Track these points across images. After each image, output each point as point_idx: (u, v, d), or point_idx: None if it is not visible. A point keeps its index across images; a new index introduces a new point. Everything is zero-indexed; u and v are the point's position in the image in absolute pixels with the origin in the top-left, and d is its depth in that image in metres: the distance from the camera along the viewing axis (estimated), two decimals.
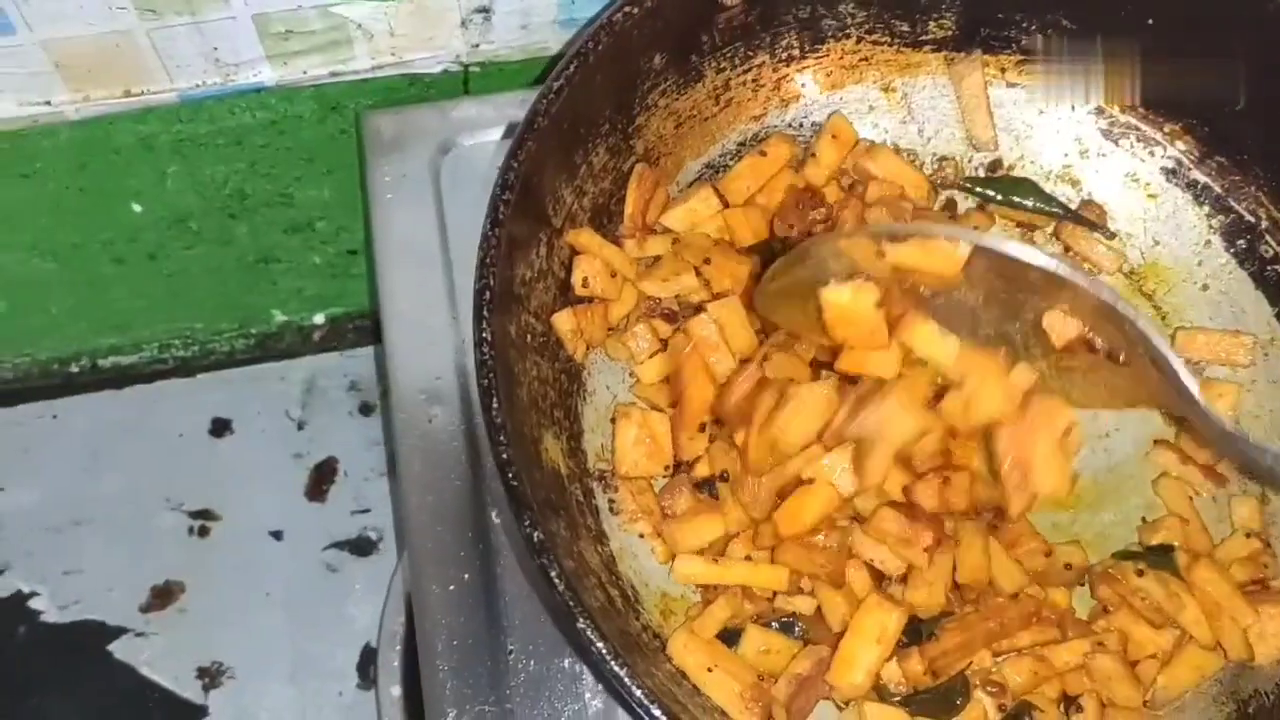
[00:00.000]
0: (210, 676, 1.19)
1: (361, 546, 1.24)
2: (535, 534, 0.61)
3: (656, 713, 0.59)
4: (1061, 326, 0.65)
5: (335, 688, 1.18)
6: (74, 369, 1.29)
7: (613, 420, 0.77)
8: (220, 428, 1.29)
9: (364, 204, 1.04)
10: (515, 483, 0.62)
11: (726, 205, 0.80)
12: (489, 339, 0.65)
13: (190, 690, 1.18)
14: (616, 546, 0.74)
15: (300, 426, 1.30)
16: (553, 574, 0.60)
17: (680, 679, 0.69)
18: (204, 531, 1.24)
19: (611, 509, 0.76)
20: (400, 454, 0.82)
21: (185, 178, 1.06)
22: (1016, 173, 0.85)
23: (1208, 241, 0.82)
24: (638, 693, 0.59)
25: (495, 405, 0.63)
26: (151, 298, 1.21)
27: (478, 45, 0.97)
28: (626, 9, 0.72)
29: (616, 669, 0.59)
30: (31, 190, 1.03)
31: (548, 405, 0.73)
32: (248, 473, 1.26)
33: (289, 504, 1.26)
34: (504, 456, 0.62)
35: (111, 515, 1.24)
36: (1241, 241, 0.81)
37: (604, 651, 0.59)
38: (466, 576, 0.79)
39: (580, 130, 0.75)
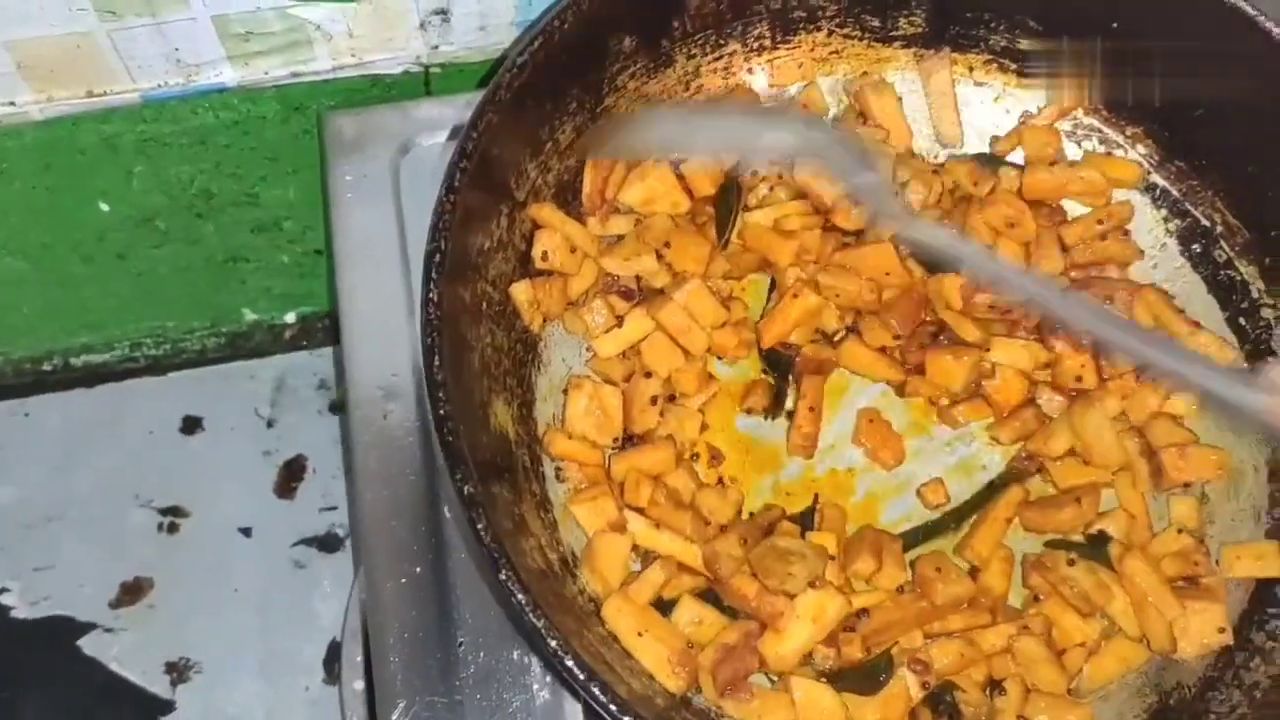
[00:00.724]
0: (178, 672, 1.20)
1: (329, 543, 1.25)
2: (466, 488, 0.61)
3: (569, 663, 0.59)
4: None
5: (302, 683, 1.19)
6: (46, 367, 1.30)
7: (565, 391, 0.78)
8: (191, 425, 1.30)
9: (324, 203, 1.05)
10: (450, 438, 0.62)
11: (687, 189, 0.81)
12: (435, 300, 0.65)
13: (158, 685, 1.19)
14: (560, 513, 0.76)
15: (270, 424, 1.31)
16: (479, 526, 0.60)
17: (611, 642, 0.70)
18: (174, 528, 1.25)
19: (558, 476, 0.77)
20: (356, 450, 0.83)
21: (151, 177, 1.07)
22: None
23: (1164, 245, 0.83)
24: (552, 643, 0.59)
25: (436, 364, 0.64)
26: (121, 297, 1.22)
27: (437, 47, 0.98)
28: None
29: (534, 620, 0.59)
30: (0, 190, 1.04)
31: (500, 372, 0.74)
32: (218, 470, 1.27)
33: (258, 501, 1.27)
34: (441, 412, 0.63)
35: (83, 512, 1.25)
36: (1197, 245, 0.82)
37: (524, 603, 0.60)
38: (419, 570, 0.80)
39: (545, 106, 0.75)
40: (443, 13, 0.95)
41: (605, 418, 0.76)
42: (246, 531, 1.26)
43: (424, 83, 1.02)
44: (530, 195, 0.76)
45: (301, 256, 1.22)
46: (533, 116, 0.75)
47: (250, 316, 1.31)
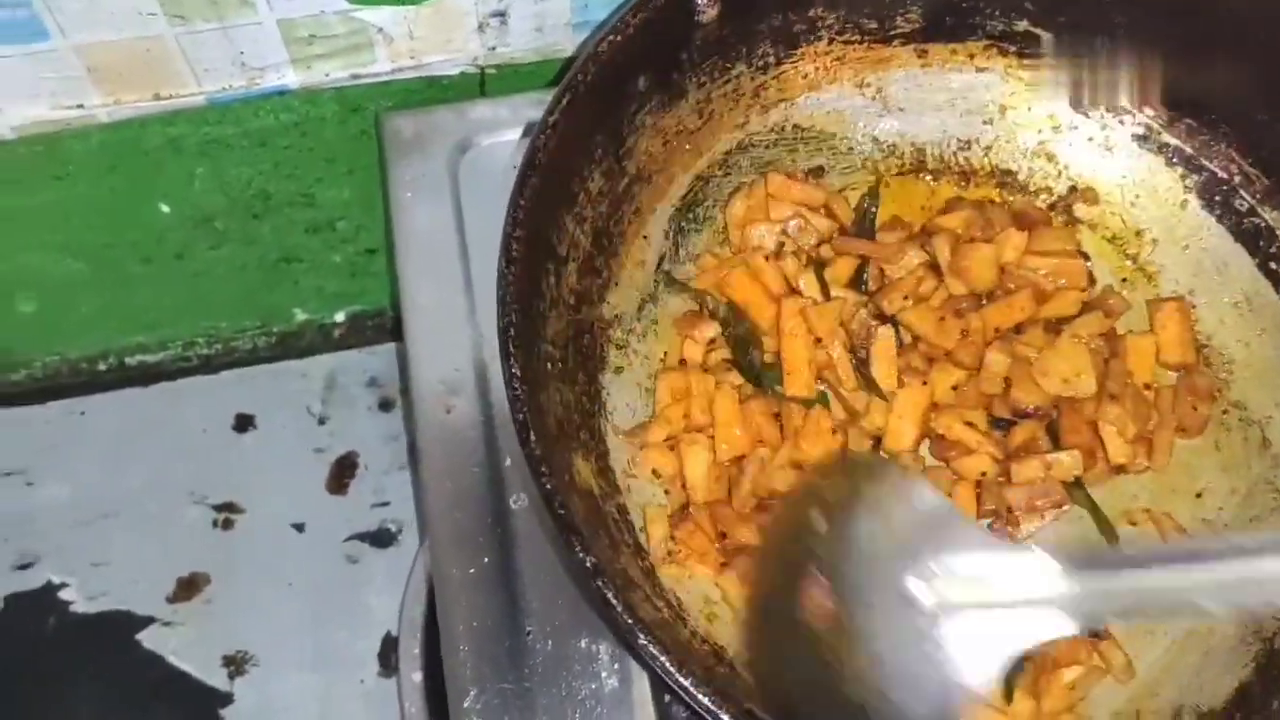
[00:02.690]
0: (235, 665, 1.21)
1: (381, 538, 1.27)
2: (588, 559, 0.62)
3: (725, 717, 0.61)
4: None
5: (356, 675, 1.20)
6: (101, 367, 1.32)
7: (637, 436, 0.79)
8: (243, 423, 1.31)
9: (384, 203, 1.07)
10: (562, 510, 0.64)
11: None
12: (518, 374, 0.67)
13: (216, 678, 1.21)
14: (656, 560, 0.77)
15: (321, 422, 1.32)
16: (609, 595, 0.62)
17: (736, 680, 0.70)
18: (228, 524, 1.27)
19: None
20: (420, 444, 0.85)
21: (212, 179, 1.09)
22: (993, 153, 0.88)
23: (1184, 201, 0.85)
24: (704, 700, 0.61)
25: (533, 440, 0.65)
26: (177, 297, 1.23)
27: (494, 48, 1.00)
28: (610, 37, 0.74)
29: (683, 680, 0.61)
30: (63, 192, 1.06)
31: (573, 429, 0.75)
32: (270, 467, 1.29)
33: (310, 497, 1.28)
34: (548, 487, 0.64)
35: (138, 509, 1.27)
36: (1217, 198, 0.84)
37: (668, 665, 0.61)
38: (486, 560, 0.81)
39: (577, 160, 0.77)
40: (501, 15, 0.96)
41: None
42: (299, 527, 1.27)
43: (479, 83, 1.03)
44: (571, 249, 0.78)
45: (354, 256, 1.23)
46: (566, 172, 0.77)
47: (301, 316, 1.32)
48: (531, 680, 0.78)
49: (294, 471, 1.29)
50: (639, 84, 0.80)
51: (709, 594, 0.76)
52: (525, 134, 0.92)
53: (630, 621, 0.61)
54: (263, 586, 1.24)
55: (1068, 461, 0.76)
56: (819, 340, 0.79)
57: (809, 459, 0.76)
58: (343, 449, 1.31)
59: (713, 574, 0.75)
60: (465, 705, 0.78)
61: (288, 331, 1.34)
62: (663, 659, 0.61)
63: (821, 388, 0.80)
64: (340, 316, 1.34)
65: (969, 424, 0.77)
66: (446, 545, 0.82)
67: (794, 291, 0.81)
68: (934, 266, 0.82)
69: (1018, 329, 0.80)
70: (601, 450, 0.78)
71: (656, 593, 0.73)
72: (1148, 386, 0.79)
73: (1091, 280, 0.84)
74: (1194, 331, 0.81)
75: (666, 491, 0.78)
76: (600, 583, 0.62)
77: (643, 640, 0.61)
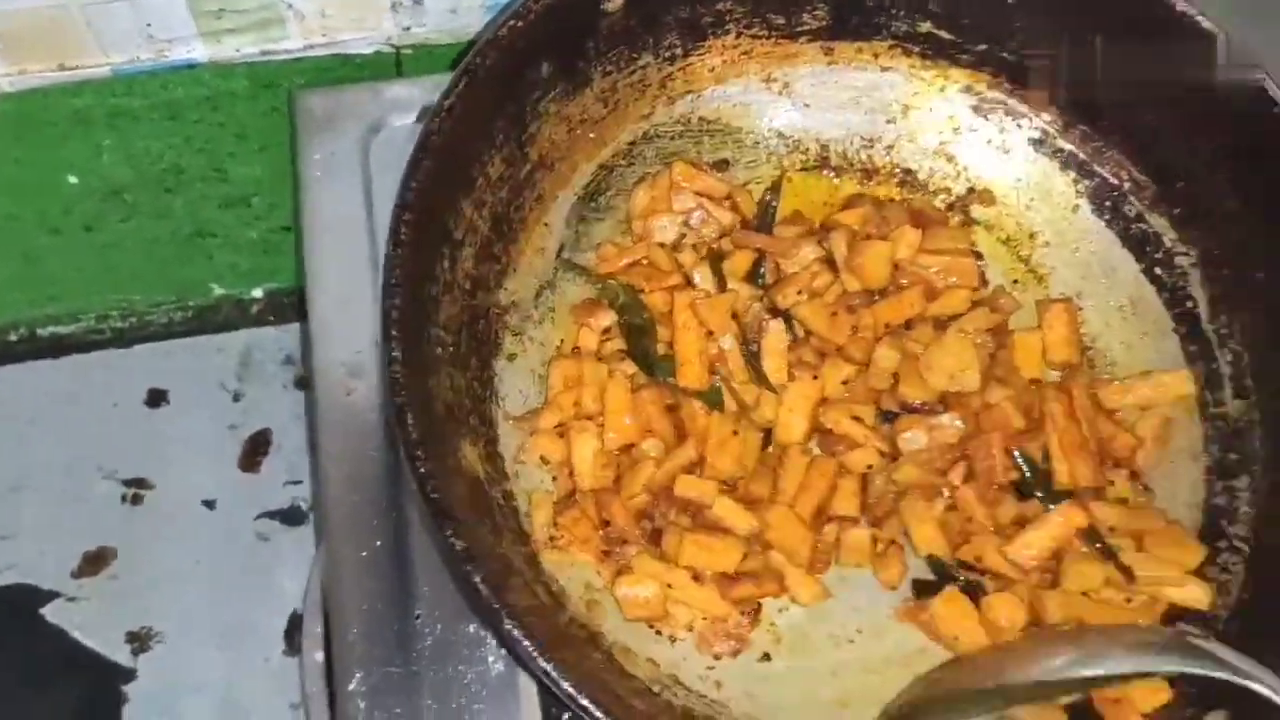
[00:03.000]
0: (140, 641, 1.21)
1: (293, 516, 1.27)
2: (457, 544, 0.63)
3: (584, 701, 0.61)
4: None
5: (262, 654, 1.20)
6: (12, 338, 1.30)
7: (528, 423, 0.79)
8: (156, 398, 1.31)
9: (293, 181, 1.06)
10: (435, 495, 0.64)
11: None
12: (399, 357, 0.66)
13: (120, 654, 1.20)
14: (539, 544, 0.77)
15: (236, 398, 1.31)
16: (477, 579, 0.62)
17: (609, 666, 0.72)
18: (137, 500, 1.26)
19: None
20: (320, 426, 0.85)
21: (120, 151, 1.07)
22: (895, 152, 0.89)
23: (1076, 206, 0.86)
24: (566, 686, 0.61)
25: (411, 423, 0.65)
26: (88, 269, 1.22)
27: (408, 28, 0.99)
28: (512, 23, 0.74)
29: (545, 665, 0.62)
30: None
31: (463, 414, 0.75)
32: (182, 443, 1.28)
33: (222, 474, 1.27)
34: (421, 471, 0.64)
35: (46, 482, 1.26)
36: (1107, 203, 0.85)
37: (531, 650, 0.62)
38: (379, 544, 0.81)
39: (475, 144, 0.76)
40: None
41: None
42: (210, 504, 1.26)
43: (395, 63, 1.03)
44: (468, 233, 0.77)
45: (269, 233, 1.22)
46: (464, 156, 0.76)
47: (217, 291, 1.31)
48: (419, 664, 0.78)
49: (206, 448, 1.29)
50: (542, 70, 0.79)
51: (590, 580, 0.76)
52: (421, 118, 0.91)
53: (496, 605, 0.62)
54: (171, 563, 1.23)
55: (948, 424, 0.78)
56: (711, 333, 0.79)
57: (719, 474, 0.77)
58: (257, 426, 1.30)
59: (594, 561, 0.76)
60: (351, 688, 0.77)
61: (204, 306, 1.33)
62: (526, 643, 0.61)
63: (716, 381, 0.81)
64: (258, 293, 1.33)
65: (856, 418, 0.78)
66: (340, 527, 0.82)
67: (689, 284, 0.82)
68: (830, 262, 0.83)
69: (907, 325, 0.82)
70: (491, 436, 0.78)
71: (536, 578, 0.74)
72: (1034, 382, 0.81)
73: (983, 280, 0.85)
74: (1080, 332, 0.83)
75: (554, 478, 0.79)
76: (468, 567, 0.62)
77: (508, 625, 0.61)
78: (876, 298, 0.82)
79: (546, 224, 0.84)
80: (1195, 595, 0.73)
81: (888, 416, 0.80)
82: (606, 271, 0.84)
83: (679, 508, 0.76)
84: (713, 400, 0.79)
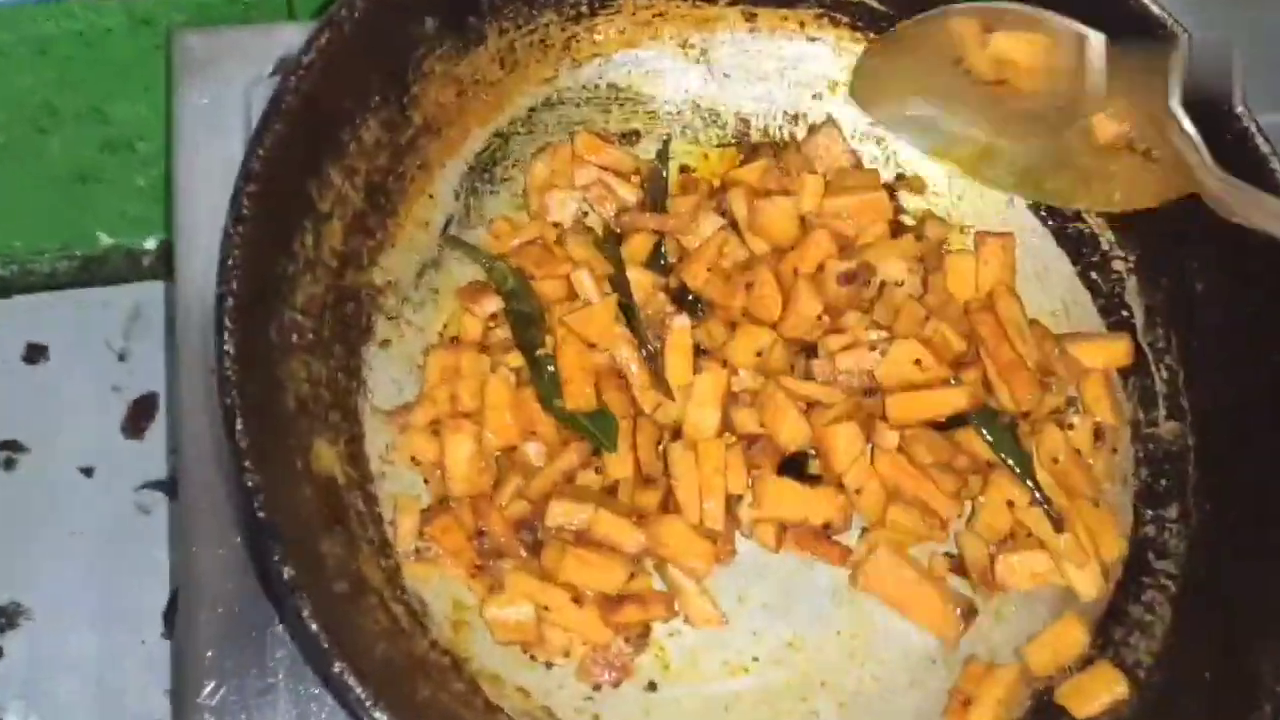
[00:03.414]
0: (7, 618, 1.14)
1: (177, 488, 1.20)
2: (285, 570, 0.56)
3: None
4: (1106, 127, 0.72)
5: (138, 635, 1.14)
6: None
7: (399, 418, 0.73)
8: (35, 354, 1.23)
9: (166, 127, 0.98)
10: (263, 513, 0.57)
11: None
12: (232, 352, 0.59)
13: None
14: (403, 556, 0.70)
15: (122, 357, 1.24)
16: (304, 613, 0.56)
17: (472, 698, 0.66)
18: (9, 464, 1.19)
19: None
20: (183, 399, 0.78)
21: None
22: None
23: (1010, 200, 0.81)
24: None
25: (239, 428, 0.58)
26: None
27: None
28: None
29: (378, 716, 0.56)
30: None
31: (321, 408, 0.68)
32: (61, 403, 1.21)
33: (103, 439, 1.20)
34: (250, 484, 0.57)
35: None
36: None
37: (363, 698, 0.56)
38: (239, 540, 0.74)
39: (344, 105, 0.70)
40: None
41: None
42: (88, 471, 1.19)
43: (287, 4, 0.95)
44: (337, 204, 0.70)
45: (158, 180, 1.15)
46: (330, 119, 0.69)
47: (106, 240, 1.24)
48: (277, 675, 0.71)
49: (87, 410, 1.21)
50: (426, 25, 0.72)
51: (460, 597, 0.70)
52: (276, 71, 0.83)
53: (325, 646, 0.55)
54: (43, 534, 1.16)
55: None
56: (593, 345, 0.73)
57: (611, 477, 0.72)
58: (143, 389, 1.23)
59: (465, 576, 0.69)
60: (199, 700, 0.71)
61: (91, 256, 1.25)
62: (357, 690, 0.55)
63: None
64: (150, 244, 1.26)
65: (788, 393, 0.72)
66: (201, 516, 0.75)
67: (571, 294, 0.74)
68: (735, 226, 0.76)
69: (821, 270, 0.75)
70: (355, 433, 0.71)
71: (396, 596, 0.67)
72: (966, 309, 0.76)
73: (899, 225, 0.80)
74: (1014, 270, 0.78)
75: (426, 481, 0.72)
76: (298, 600, 0.56)
77: (337, 668, 0.55)
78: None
79: (431, 195, 0.77)
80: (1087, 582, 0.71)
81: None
82: (498, 251, 0.76)
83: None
84: (603, 427, 0.72)
